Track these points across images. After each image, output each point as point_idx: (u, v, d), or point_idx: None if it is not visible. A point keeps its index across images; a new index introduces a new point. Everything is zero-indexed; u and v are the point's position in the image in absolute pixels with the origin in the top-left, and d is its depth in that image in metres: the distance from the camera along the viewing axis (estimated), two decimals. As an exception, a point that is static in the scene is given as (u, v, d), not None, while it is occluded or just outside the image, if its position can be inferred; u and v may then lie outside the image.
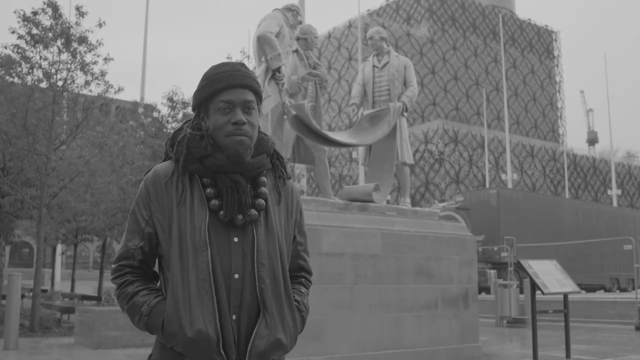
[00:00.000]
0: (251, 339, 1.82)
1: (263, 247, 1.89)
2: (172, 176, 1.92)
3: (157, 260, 1.99)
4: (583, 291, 21.84)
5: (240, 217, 1.88)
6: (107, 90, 13.99)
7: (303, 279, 2.14)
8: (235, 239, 1.88)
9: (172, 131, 20.41)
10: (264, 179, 1.98)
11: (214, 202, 1.88)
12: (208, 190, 1.90)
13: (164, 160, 2.02)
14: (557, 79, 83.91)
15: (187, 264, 1.82)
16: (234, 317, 1.83)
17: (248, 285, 1.85)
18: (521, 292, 17.02)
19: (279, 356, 1.89)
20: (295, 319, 1.94)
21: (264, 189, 1.96)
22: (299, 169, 21.84)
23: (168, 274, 1.88)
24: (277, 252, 1.92)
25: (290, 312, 1.92)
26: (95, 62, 13.67)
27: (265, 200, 1.95)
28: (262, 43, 8.24)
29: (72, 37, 13.24)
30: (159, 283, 1.99)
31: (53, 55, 13.36)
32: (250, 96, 1.94)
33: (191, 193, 1.89)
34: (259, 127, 2.01)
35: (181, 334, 1.78)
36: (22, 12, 13.16)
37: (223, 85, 1.91)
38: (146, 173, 2.00)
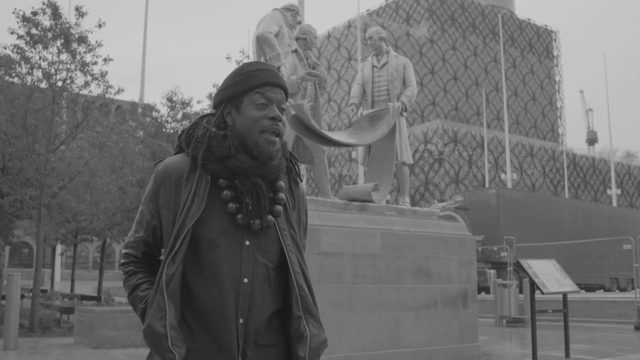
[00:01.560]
0: (308, 341, 1.86)
1: (294, 258, 1.91)
2: (189, 174, 1.88)
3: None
4: (582, 291, 21.84)
5: (257, 222, 1.86)
6: (106, 91, 13.99)
7: None
8: (247, 242, 1.85)
9: (171, 131, 20.22)
10: (281, 183, 1.96)
11: (232, 205, 1.85)
12: (225, 192, 1.87)
13: (175, 154, 1.98)
14: (557, 78, 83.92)
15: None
16: (240, 320, 1.81)
17: (257, 290, 1.84)
18: (521, 291, 17.03)
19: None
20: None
21: (282, 195, 1.94)
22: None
23: None
24: (302, 260, 1.95)
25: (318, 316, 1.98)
26: (95, 63, 13.68)
27: (284, 206, 1.94)
28: (261, 43, 8.25)
29: (72, 37, 13.24)
30: None
31: (52, 56, 13.37)
32: (284, 99, 1.95)
33: (205, 193, 1.85)
34: None
35: (144, 329, 1.83)
36: (21, 13, 13.16)
37: (264, 81, 1.90)
38: (156, 164, 1.98)
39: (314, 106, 8.86)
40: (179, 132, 2.10)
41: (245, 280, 1.83)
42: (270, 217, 1.89)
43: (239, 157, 1.86)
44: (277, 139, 1.88)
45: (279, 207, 1.92)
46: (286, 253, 1.89)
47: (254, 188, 1.87)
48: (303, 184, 2.13)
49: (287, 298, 1.91)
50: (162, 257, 1.97)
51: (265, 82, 1.90)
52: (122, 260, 2.00)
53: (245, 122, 1.88)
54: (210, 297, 1.81)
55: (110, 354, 9.54)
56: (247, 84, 1.90)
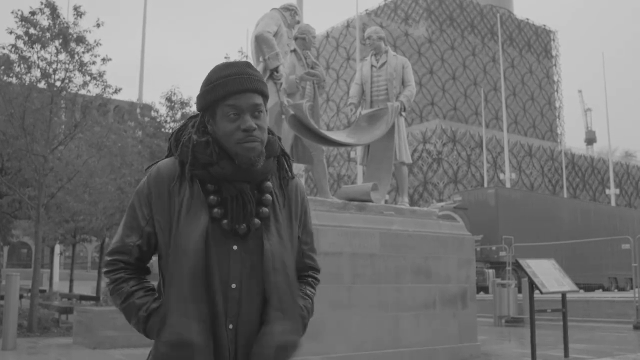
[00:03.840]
0: (273, 338, 1.81)
1: (277, 252, 1.87)
2: (178, 180, 1.87)
3: (158, 259, 1.97)
4: (581, 290, 21.84)
5: (243, 226, 1.85)
6: (104, 91, 13.98)
7: (310, 279, 2.11)
8: (235, 247, 1.84)
9: (170, 131, 20.34)
10: (269, 184, 1.93)
11: (217, 210, 1.84)
12: (211, 197, 1.85)
13: (167, 157, 1.98)
14: (555, 78, 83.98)
15: (183, 270, 1.79)
16: (230, 326, 1.80)
17: (245, 295, 1.83)
18: (519, 291, 17.03)
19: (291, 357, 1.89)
20: (301, 325, 1.95)
21: (268, 197, 1.91)
22: (297, 169, 21.83)
23: (167, 276, 1.86)
24: (288, 259, 1.91)
25: (299, 318, 1.93)
26: (93, 63, 13.67)
27: (271, 206, 1.92)
28: (260, 43, 8.24)
29: (70, 37, 13.24)
30: (147, 276, 1.98)
31: (51, 55, 13.36)
32: (258, 99, 1.87)
33: (193, 199, 1.85)
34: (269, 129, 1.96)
35: (163, 339, 1.77)
36: (19, 12, 13.15)
37: (229, 91, 1.84)
38: (148, 167, 1.96)
39: (313, 106, 8.86)
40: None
41: (233, 285, 1.82)
42: (257, 220, 1.87)
43: (222, 163, 1.85)
44: (257, 144, 1.84)
45: (266, 210, 1.89)
46: (270, 251, 1.86)
47: (239, 194, 1.86)
48: (297, 179, 2.08)
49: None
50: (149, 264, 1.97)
51: (232, 91, 1.84)
52: (109, 267, 1.92)
53: (221, 134, 1.86)
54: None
55: (109, 354, 9.53)
56: (216, 95, 1.85)
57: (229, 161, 1.85)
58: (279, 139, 2.01)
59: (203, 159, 1.85)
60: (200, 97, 1.91)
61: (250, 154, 1.83)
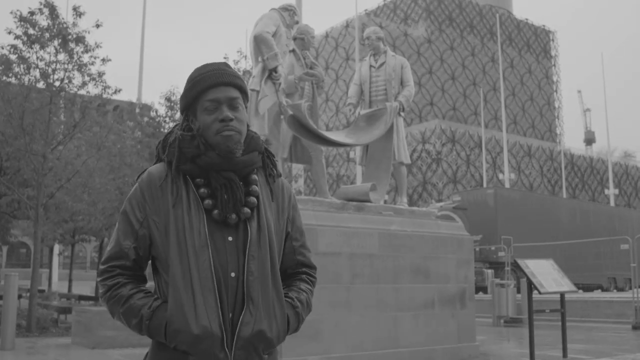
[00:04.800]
0: (237, 328, 1.83)
1: (255, 241, 1.90)
2: (166, 178, 1.93)
3: (151, 262, 1.99)
4: (580, 290, 21.85)
5: (233, 216, 1.90)
6: (104, 91, 13.98)
7: (304, 275, 2.13)
8: (230, 238, 1.89)
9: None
10: (255, 177, 2.00)
11: (208, 201, 1.89)
12: (202, 190, 1.91)
13: (156, 163, 2.03)
14: (555, 78, 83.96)
15: (189, 264, 1.82)
16: (230, 315, 1.84)
17: (242, 283, 1.87)
18: (518, 291, 17.04)
19: (265, 349, 1.89)
20: (284, 315, 1.94)
21: (255, 187, 1.97)
22: (296, 169, 21.82)
23: (166, 276, 1.88)
24: (267, 247, 1.93)
25: (279, 307, 1.92)
26: (92, 63, 13.66)
27: (257, 197, 1.97)
28: (259, 43, 8.24)
29: (69, 37, 13.24)
30: (148, 284, 2.00)
31: (50, 56, 13.35)
32: (235, 93, 1.96)
33: (186, 194, 1.90)
34: (248, 124, 2.03)
35: (186, 332, 1.79)
36: (18, 13, 13.14)
37: (206, 85, 1.94)
38: (139, 175, 2.00)
39: (312, 106, 8.86)
40: None
41: (233, 274, 1.86)
42: (246, 209, 1.92)
43: (208, 153, 1.92)
44: (233, 132, 1.91)
45: (253, 199, 1.95)
46: (249, 237, 1.90)
47: (228, 182, 1.91)
48: (283, 179, 2.13)
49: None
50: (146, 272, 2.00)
51: (210, 85, 1.94)
52: (105, 275, 1.92)
53: (202, 128, 1.94)
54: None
55: (108, 354, 9.53)
56: (195, 91, 1.96)
57: (215, 152, 1.92)
58: (264, 140, 2.08)
59: (190, 152, 1.92)
60: (182, 98, 2.01)
61: (227, 141, 1.91)
